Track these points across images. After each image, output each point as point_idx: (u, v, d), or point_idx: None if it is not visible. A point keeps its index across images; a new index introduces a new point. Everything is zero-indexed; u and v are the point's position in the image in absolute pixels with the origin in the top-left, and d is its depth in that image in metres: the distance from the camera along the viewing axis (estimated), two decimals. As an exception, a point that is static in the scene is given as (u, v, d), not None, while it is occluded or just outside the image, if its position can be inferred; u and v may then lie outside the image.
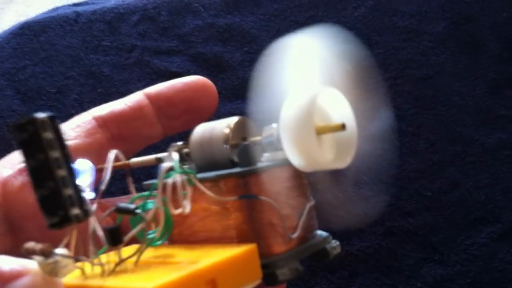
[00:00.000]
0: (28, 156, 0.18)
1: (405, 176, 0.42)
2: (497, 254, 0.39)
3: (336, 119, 0.22)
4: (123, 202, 0.24)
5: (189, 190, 0.22)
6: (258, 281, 0.21)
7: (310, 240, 0.24)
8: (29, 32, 0.49)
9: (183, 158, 0.25)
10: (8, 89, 0.46)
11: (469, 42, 0.46)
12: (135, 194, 0.25)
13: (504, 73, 0.45)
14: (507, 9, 0.47)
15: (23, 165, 0.27)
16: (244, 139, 0.24)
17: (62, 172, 0.18)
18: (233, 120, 0.25)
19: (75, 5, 0.52)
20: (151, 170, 0.42)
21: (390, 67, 0.45)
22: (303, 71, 0.23)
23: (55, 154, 0.18)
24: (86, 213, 0.19)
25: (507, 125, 0.43)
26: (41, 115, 0.18)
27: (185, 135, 0.26)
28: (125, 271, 0.20)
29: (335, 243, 0.25)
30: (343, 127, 0.21)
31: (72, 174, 0.19)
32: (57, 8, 0.51)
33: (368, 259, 0.39)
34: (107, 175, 0.22)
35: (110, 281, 0.19)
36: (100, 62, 0.47)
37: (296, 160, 0.22)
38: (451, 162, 0.42)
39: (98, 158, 0.25)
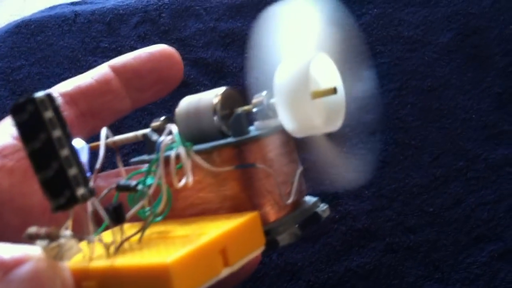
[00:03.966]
0: (28, 138, 0.18)
1: (407, 191, 0.41)
2: (499, 273, 0.38)
3: (324, 84, 0.23)
4: (112, 177, 0.23)
5: (189, 163, 0.22)
6: (262, 248, 0.21)
7: (302, 205, 0.24)
8: (26, 31, 0.47)
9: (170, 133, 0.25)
10: (2, 89, 0.45)
11: (474, 54, 0.46)
12: (122, 170, 0.24)
13: (510, 88, 0.44)
14: (514, 22, 0.46)
15: None
16: (232, 109, 0.24)
17: (65, 152, 0.18)
18: (220, 90, 0.24)
19: (73, 4, 0.51)
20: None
21: (394, 77, 0.45)
22: (295, 38, 0.23)
23: (57, 133, 0.18)
24: (91, 192, 0.18)
25: (511, 141, 0.42)
26: (39, 93, 0.18)
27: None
28: (130, 249, 0.20)
29: (324, 206, 0.25)
30: (334, 91, 0.22)
31: (74, 153, 0.18)
32: (55, 7, 0.50)
33: (368, 275, 0.38)
34: (101, 153, 0.21)
35: (119, 260, 0.19)
36: (98, 64, 0.46)
37: (291, 125, 0.22)
38: (455, 178, 0.41)
39: None
